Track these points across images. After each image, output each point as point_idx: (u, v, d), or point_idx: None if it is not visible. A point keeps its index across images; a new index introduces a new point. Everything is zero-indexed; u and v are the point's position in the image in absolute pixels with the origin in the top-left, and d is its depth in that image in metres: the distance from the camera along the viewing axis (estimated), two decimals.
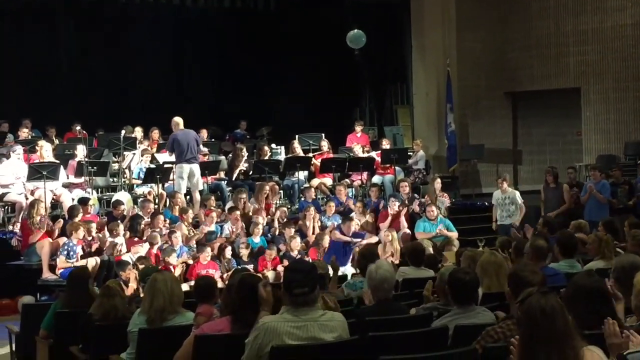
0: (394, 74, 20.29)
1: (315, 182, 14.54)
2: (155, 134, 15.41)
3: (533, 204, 13.86)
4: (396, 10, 19.21)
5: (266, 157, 14.62)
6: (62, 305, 6.52)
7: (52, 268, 10.43)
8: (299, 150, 14.99)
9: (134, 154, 14.03)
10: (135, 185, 13.63)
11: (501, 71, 18.05)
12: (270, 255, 11.09)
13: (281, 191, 14.34)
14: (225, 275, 10.28)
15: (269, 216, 12.51)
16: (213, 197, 12.84)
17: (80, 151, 13.07)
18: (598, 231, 8.78)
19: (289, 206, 13.87)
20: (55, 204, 12.33)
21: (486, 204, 14.37)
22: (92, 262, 10.03)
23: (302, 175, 14.40)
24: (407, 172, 15.41)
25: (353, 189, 14.66)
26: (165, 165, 13.14)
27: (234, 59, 19.46)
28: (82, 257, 10.24)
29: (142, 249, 10.59)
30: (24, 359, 7.10)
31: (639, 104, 16.87)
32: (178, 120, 12.84)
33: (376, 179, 14.67)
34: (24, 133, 14.88)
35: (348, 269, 10.99)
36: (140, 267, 9.66)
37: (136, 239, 11.05)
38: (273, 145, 15.99)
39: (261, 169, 13.95)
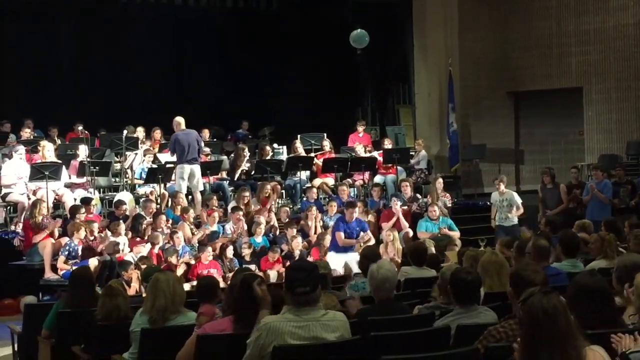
0: (395, 74, 20.29)
1: (317, 182, 14.54)
2: (157, 134, 15.42)
3: (535, 203, 13.86)
4: (398, 10, 19.22)
5: (268, 157, 14.63)
6: (64, 305, 6.52)
7: (55, 268, 10.44)
8: (300, 150, 14.99)
9: (136, 154, 14.05)
10: (137, 185, 13.64)
11: (503, 71, 18.04)
12: (273, 258, 11.08)
13: (283, 191, 14.35)
14: (228, 275, 10.28)
15: (271, 216, 12.50)
16: (215, 197, 12.83)
17: (82, 151, 13.08)
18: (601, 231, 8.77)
19: (291, 206, 13.88)
20: (58, 204, 12.33)
21: (488, 203, 14.34)
22: (93, 262, 10.03)
23: (304, 175, 14.40)
24: (409, 172, 15.40)
25: (355, 189, 14.66)
26: (167, 165, 13.15)
27: (235, 58, 19.46)
28: (85, 257, 10.23)
29: (144, 249, 10.59)
30: (26, 358, 7.10)
31: None
32: (179, 120, 12.84)
33: (378, 178, 14.68)
34: (26, 133, 14.89)
35: (354, 256, 10.93)
36: (143, 267, 9.67)
37: (138, 239, 11.05)
38: (275, 145, 16.00)
39: (263, 168, 13.95)
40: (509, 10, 18.05)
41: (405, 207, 12.92)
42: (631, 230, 8.52)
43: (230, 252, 11.08)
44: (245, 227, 11.83)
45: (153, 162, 13.69)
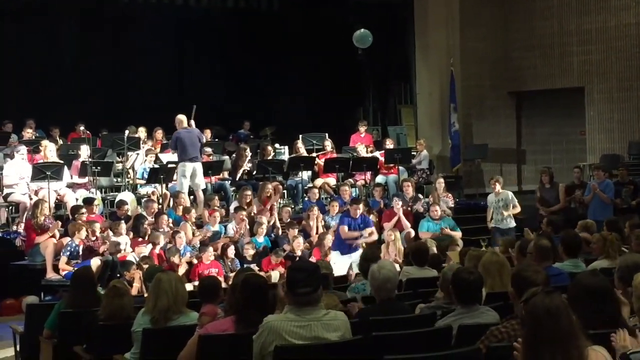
0: (397, 74, 20.29)
1: (319, 182, 14.55)
2: (159, 134, 15.44)
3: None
4: (399, 10, 19.21)
5: (270, 157, 14.63)
6: (66, 305, 6.53)
7: (56, 268, 10.44)
8: (302, 150, 15.00)
9: (138, 154, 14.06)
10: (139, 186, 13.65)
11: (505, 71, 18.03)
12: (276, 260, 11.05)
13: (285, 191, 14.35)
14: (230, 275, 10.29)
15: (272, 216, 12.50)
16: (217, 197, 12.84)
17: (84, 151, 13.09)
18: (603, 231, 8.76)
19: (293, 206, 13.88)
20: (59, 204, 12.34)
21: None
22: (95, 262, 10.03)
23: (305, 175, 14.40)
24: (410, 172, 15.40)
25: (357, 189, 14.66)
26: (169, 165, 13.16)
27: (237, 59, 19.46)
28: (87, 258, 10.23)
29: (146, 249, 10.59)
30: (28, 358, 7.11)
31: None
32: (182, 117, 12.85)
33: (380, 178, 14.68)
34: (28, 133, 14.89)
35: (356, 256, 10.92)
36: (145, 266, 9.67)
37: (140, 239, 11.05)
38: (277, 145, 16.00)
39: (265, 168, 13.96)
40: (511, 9, 18.04)
41: (407, 207, 12.91)
42: (632, 230, 8.51)
43: (231, 252, 11.09)
44: (248, 227, 11.84)
45: (155, 162, 13.70)
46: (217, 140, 16.33)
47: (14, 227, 11.78)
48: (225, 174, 14.43)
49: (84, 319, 6.07)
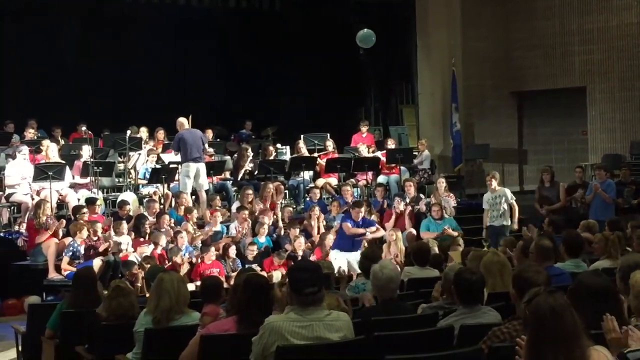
0: (398, 74, 20.29)
1: (321, 182, 14.55)
2: (161, 134, 15.45)
3: None
4: (401, 10, 19.20)
5: (271, 157, 14.63)
6: (68, 305, 6.54)
7: (58, 268, 10.44)
8: (304, 150, 15.00)
9: (140, 154, 14.07)
10: (140, 186, 13.66)
11: (506, 70, 18.01)
12: (279, 262, 11.03)
13: (286, 191, 14.35)
14: (231, 275, 10.29)
15: (274, 216, 12.51)
16: (218, 197, 12.86)
17: (86, 151, 13.11)
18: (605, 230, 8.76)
19: (295, 206, 13.88)
20: (61, 204, 12.35)
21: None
22: (98, 262, 10.03)
23: (307, 175, 14.40)
24: (412, 172, 15.39)
25: (358, 189, 14.66)
26: (171, 166, 13.17)
27: (238, 59, 19.45)
28: (89, 258, 10.23)
29: (148, 249, 10.60)
30: (30, 359, 7.12)
31: None
32: (183, 120, 12.86)
33: (381, 178, 14.67)
34: (30, 133, 14.91)
35: (355, 257, 10.92)
36: (147, 266, 9.68)
37: (141, 239, 11.06)
38: (278, 145, 16.01)
39: (266, 169, 13.96)
40: (512, 9, 18.03)
41: (409, 207, 12.90)
42: (634, 231, 8.50)
43: (232, 252, 11.09)
44: (251, 227, 11.84)
45: (156, 162, 13.72)
46: (218, 140, 16.34)
47: (16, 227, 11.79)
48: (227, 174, 14.44)
49: (85, 319, 6.08)
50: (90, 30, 18.07)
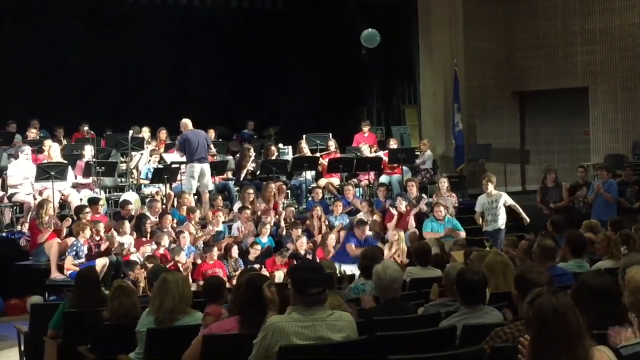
0: (401, 74, 20.28)
1: (323, 182, 14.55)
2: (163, 134, 15.47)
3: None
4: (403, 10, 19.19)
5: (273, 157, 14.65)
6: (70, 305, 6.53)
7: (61, 268, 10.46)
8: (306, 150, 15.00)
9: (142, 154, 14.08)
10: (143, 186, 13.68)
11: (508, 70, 18.00)
12: (281, 261, 11.05)
13: (288, 191, 14.35)
14: (233, 275, 10.29)
15: (277, 216, 12.51)
16: (220, 197, 12.86)
17: (88, 151, 13.12)
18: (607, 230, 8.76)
19: (297, 206, 13.88)
20: (64, 204, 12.37)
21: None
22: (101, 262, 10.04)
23: (309, 175, 14.41)
24: (414, 172, 15.40)
25: (360, 189, 14.66)
26: (173, 166, 13.17)
27: (240, 58, 19.46)
28: (91, 258, 10.24)
29: (150, 249, 10.60)
30: (32, 358, 7.12)
31: None
32: (187, 121, 12.88)
33: (384, 178, 14.67)
34: (32, 133, 14.94)
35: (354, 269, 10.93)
36: (150, 265, 9.67)
37: (144, 239, 11.06)
38: (280, 145, 16.02)
39: (268, 168, 13.97)
40: (514, 9, 18.01)
41: (411, 207, 12.89)
42: (637, 231, 8.50)
43: (235, 252, 11.09)
44: (253, 227, 11.84)
45: (159, 162, 13.73)
46: (220, 140, 16.36)
47: (19, 227, 11.80)
48: (229, 174, 14.45)
49: (88, 319, 6.07)
50: (92, 30, 18.09)
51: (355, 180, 14.71)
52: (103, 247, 10.39)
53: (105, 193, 13.44)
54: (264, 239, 11.64)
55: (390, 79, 20.62)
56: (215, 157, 14.33)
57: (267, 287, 4.55)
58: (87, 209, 11.12)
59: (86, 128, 15.11)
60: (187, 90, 19.11)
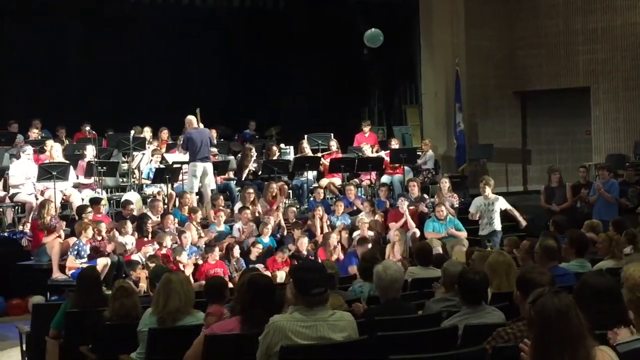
0: (402, 73, 20.27)
1: (324, 182, 14.55)
2: (165, 134, 15.46)
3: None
4: (404, 9, 19.18)
5: (275, 157, 14.65)
6: (72, 305, 6.54)
7: (62, 268, 10.46)
8: (307, 150, 15.00)
9: (143, 154, 14.08)
10: (144, 186, 13.68)
11: (510, 70, 17.99)
12: (282, 258, 11.07)
13: (290, 191, 14.36)
14: (235, 275, 10.29)
15: (278, 216, 12.50)
16: (222, 197, 12.86)
17: (90, 151, 13.12)
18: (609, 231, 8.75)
19: (298, 206, 13.88)
20: (65, 204, 12.37)
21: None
22: (102, 262, 10.04)
23: (311, 175, 14.41)
24: (416, 172, 15.39)
25: (362, 189, 14.66)
26: (175, 166, 13.18)
27: (242, 58, 19.46)
28: (94, 257, 10.24)
29: (152, 249, 10.60)
30: (34, 358, 7.13)
31: None
32: (191, 118, 12.87)
33: (385, 178, 14.67)
34: (34, 133, 14.94)
35: None
36: (151, 265, 9.68)
37: (145, 239, 11.06)
38: (282, 145, 16.01)
39: (270, 169, 13.97)
40: (516, 7, 18.00)
41: (412, 207, 12.89)
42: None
43: (236, 252, 11.09)
44: (254, 227, 11.84)
45: (160, 162, 13.73)
46: (222, 140, 16.36)
47: (20, 227, 11.79)
48: (231, 174, 14.45)
49: (89, 318, 6.07)
50: (93, 29, 18.07)
51: (356, 180, 14.72)
52: (108, 248, 10.39)
53: (107, 193, 13.45)
54: (266, 239, 11.65)
55: (391, 79, 20.61)
56: (216, 157, 14.33)
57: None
58: (89, 209, 11.12)
59: (88, 128, 15.11)
60: (188, 90, 19.08)
